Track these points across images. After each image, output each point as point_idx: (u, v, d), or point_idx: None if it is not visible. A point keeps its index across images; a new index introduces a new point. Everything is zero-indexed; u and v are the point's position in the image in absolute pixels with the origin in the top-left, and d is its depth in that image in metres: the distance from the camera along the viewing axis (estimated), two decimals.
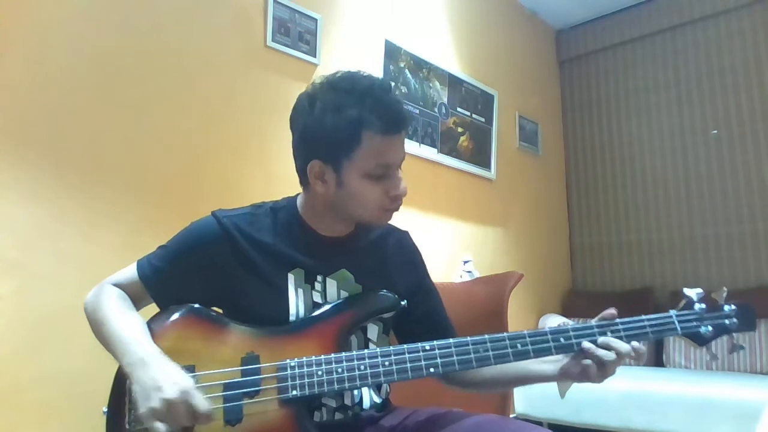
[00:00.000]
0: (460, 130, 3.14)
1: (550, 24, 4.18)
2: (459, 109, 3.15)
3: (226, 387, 0.88)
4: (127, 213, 1.73)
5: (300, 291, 0.99)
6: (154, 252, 1.02)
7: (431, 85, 2.98)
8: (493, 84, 3.42)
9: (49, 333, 1.51)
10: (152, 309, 1.01)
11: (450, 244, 2.99)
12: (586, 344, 0.91)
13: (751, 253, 3.33)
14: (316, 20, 2.37)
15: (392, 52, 2.76)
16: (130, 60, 1.80)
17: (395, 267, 1.08)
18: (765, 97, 3.38)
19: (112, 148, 1.73)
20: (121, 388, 0.91)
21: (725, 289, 0.99)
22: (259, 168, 2.09)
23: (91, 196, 1.66)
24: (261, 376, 0.90)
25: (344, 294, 1.01)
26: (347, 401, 0.99)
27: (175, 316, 0.95)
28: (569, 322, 0.98)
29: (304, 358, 0.91)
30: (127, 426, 0.90)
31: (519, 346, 0.92)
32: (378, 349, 0.92)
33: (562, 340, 0.93)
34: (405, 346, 0.92)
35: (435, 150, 2.94)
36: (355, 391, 1.00)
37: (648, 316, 0.95)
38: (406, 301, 1.03)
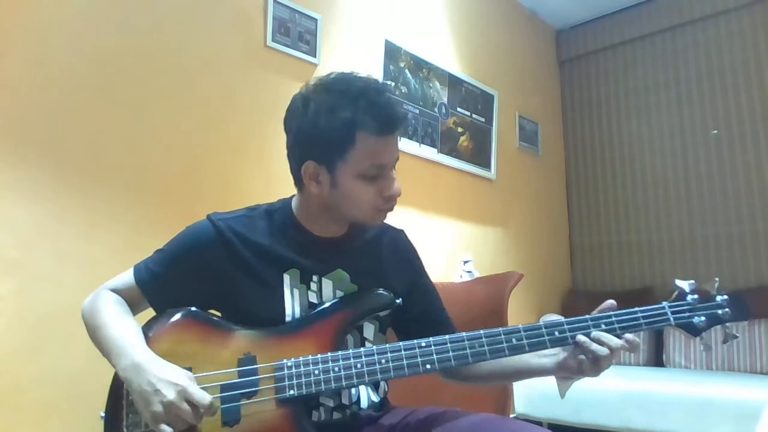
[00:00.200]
0: (460, 130, 3.14)
1: (550, 24, 4.19)
2: (459, 109, 3.15)
3: (224, 388, 0.89)
4: (127, 213, 1.73)
5: (296, 291, 0.99)
6: (151, 257, 1.03)
7: (431, 85, 2.98)
8: (493, 84, 3.42)
9: (49, 333, 1.51)
10: (149, 313, 1.01)
11: (450, 244, 2.99)
12: (581, 338, 0.92)
13: (751, 253, 3.33)
14: (316, 20, 2.37)
15: (392, 52, 2.76)
16: (130, 60, 1.80)
17: (391, 266, 1.08)
18: (765, 97, 3.38)
19: (112, 148, 1.73)
20: (118, 392, 0.92)
21: (717, 279, 1.00)
22: (259, 168, 2.09)
23: (91, 196, 1.66)
24: (258, 377, 0.90)
25: (340, 294, 1.02)
26: (345, 400, 0.99)
27: (172, 319, 0.96)
28: None
29: (301, 358, 0.91)
30: (125, 430, 0.90)
31: (514, 340, 0.93)
32: (374, 347, 0.93)
33: (556, 333, 0.93)
34: (401, 343, 0.93)
35: (435, 150, 2.94)
36: (353, 391, 1.00)
37: (641, 308, 0.95)
38: (401, 299, 1.03)
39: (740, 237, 3.38)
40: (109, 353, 0.91)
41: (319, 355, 0.91)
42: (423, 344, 0.92)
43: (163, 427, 0.81)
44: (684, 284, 1.00)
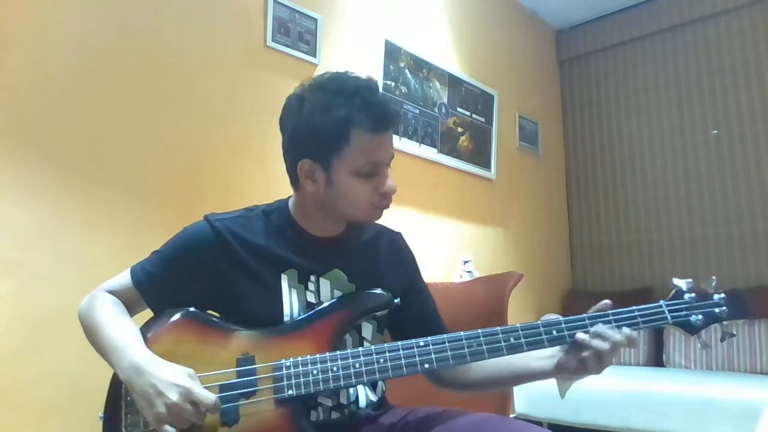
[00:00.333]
0: (460, 130, 3.14)
1: (550, 24, 4.19)
2: (459, 109, 3.15)
3: (222, 388, 0.89)
4: (127, 213, 1.73)
5: (294, 291, 0.99)
6: (148, 258, 1.03)
7: (431, 85, 2.98)
8: (493, 84, 3.42)
9: (49, 333, 1.51)
10: (147, 314, 1.01)
11: (450, 244, 2.99)
12: (580, 336, 0.92)
13: (751, 253, 3.33)
14: (316, 20, 2.37)
15: (392, 52, 2.76)
16: (130, 60, 1.80)
17: (387, 267, 1.09)
18: (765, 97, 3.38)
19: (112, 148, 1.73)
20: (116, 392, 0.92)
21: (714, 278, 1.00)
22: (259, 168, 2.09)
23: (91, 196, 1.66)
24: (257, 377, 0.90)
25: (338, 293, 1.02)
26: (343, 400, 0.99)
27: (170, 319, 0.96)
28: None
29: (299, 358, 0.91)
30: (123, 430, 0.90)
31: (512, 339, 0.93)
32: (372, 347, 0.93)
33: (554, 332, 0.93)
34: (399, 343, 0.93)
35: (435, 150, 2.94)
36: (351, 390, 1.00)
37: (639, 307, 0.95)
38: (399, 299, 1.03)
39: (740, 237, 3.38)
40: (108, 355, 0.91)
41: (317, 355, 0.92)
42: (421, 344, 0.92)
43: (167, 427, 0.81)
44: (681, 283, 1.00)
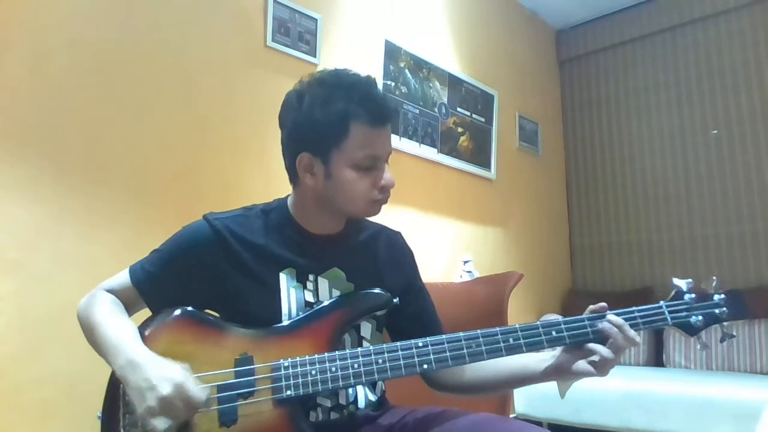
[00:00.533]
0: (460, 130, 3.14)
1: (550, 24, 4.19)
2: (459, 109, 3.15)
3: (221, 389, 0.88)
4: (127, 213, 1.73)
5: (292, 291, 0.99)
6: (147, 257, 1.03)
7: (431, 85, 2.98)
8: (493, 84, 3.42)
9: (49, 333, 1.51)
10: (146, 313, 1.01)
11: (450, 244, 2.99)
12: (605, 324, 0.91)
13: (751, 253, 3.33)
14: (316, 20, 2.37)
15: (392, 52, 2.76)
16: (130, 60, 1.80)
17: (386, 266, 1.09)
18: (765, 97, 3.38)
19: (112, 148, 1.73)
20: (115, 392, 0.92)
21: (715, 278, 0.99)
22: (259, 168, 2.09)
23: (91, 196, 1.66)
24: (255, 377, 0.90)
25: (336, 292, 1.02)
26: (342, 400, 0.99)
27: (168, 319, 0.96)
28: None
29: (298, 358, 0.91)
30: (122, 430, 0.90)
31: (511, 340, 0.92)
32: (371, 347, 0.93)
33: (554, 333, 0.93)
34: (398, 343, 0.93)
35: (435, 150, 2.94)
36: (350, 390, 1.00)
37: (638, 307, 0.95)
38: (398, 299, 1.03)
39: (740, 237, 3.38)
40: (105, 352, 0.91)
41: (316, 356, 0.91)
42: (420, 344, 0.92)
43: (157, 421, 0.80)
44: (682, 283, 0.99)
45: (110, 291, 1.01)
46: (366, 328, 1.04)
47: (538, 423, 2.38)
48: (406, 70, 2.84)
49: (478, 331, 0.93)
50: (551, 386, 1.03)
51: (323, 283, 1.01)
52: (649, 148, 3.79)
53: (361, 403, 1.01)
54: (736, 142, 3.45)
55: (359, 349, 0.93)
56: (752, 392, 2.34)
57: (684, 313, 0.96)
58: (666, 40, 3.79)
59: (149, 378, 0.82)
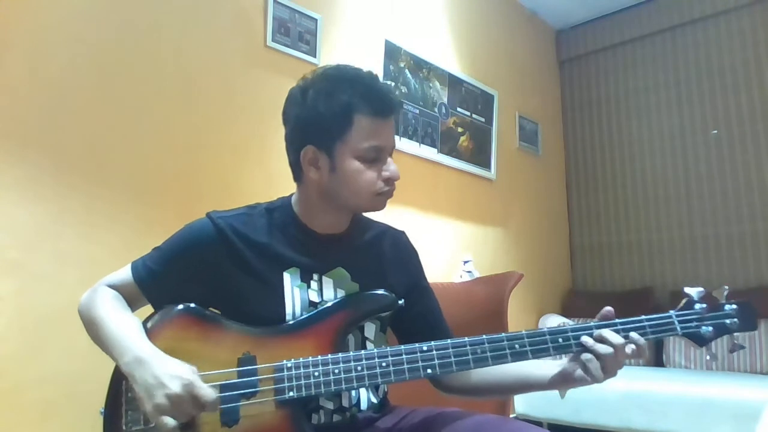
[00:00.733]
0: (460, 130, 3.14)
1: (550, 24, 4.18)
2: (459, 109, 3.15)
3: (223, 388, 0.88)
4: (127, 213, 1.73)
5: (296, 290, 0.98)
6: (149, 254, 1.02)
7: (431, 85, 2.98)
8: (493, 84, 3.42)
9: (49, 333, 1.51)
10: (147, 310, 1.01)
11: (450, 244, 2.99)
12: (585, 338, 0.90)
13: (751, 253, 3.33)
14: (316, 20, 2.37)
15: (392, 52, 2.76)
16: (130, 60, 1.80)
17: (391, 266, 1.08)
18: (765, 97, 3.38)
19: (112, 148, 1.73)
20: (117, 388, 0.91)
21: (726, 287, 0.97)
22: (259, 168, 2.09)
23: (91, 196, 1.66)
24: (258, 377, 0.89)
25: (341, 292, 1.01)
26: (345, 403, 0.98)
27: (171, 316, 0.95)
28: (569, 322, 0.97)
29: (301, 359, 0.90)
30: (124, 427, 0.89)
31: (517, 346, 0.91)
32: (375, 350, 0.92)
33: (560, 340, 0.91)
34: (402, 347, 0.92)
35: (435, 150, 2.94)
36: (353, 392, 0.99)
37: (647, 317, 0.93)
38: (403, 300, 1.02)
39: (740, 237, 3.38)
40: (110, 348, 0.90)
41: (319, 357, 0.91)
42: (424, 348, 0.91)
43: (164, 419, 0.80)
44: (692, 292, 0.97)
45: (112, 286, 1.00)
46: (370, 329, 1.03)
47: (538, 423, 2.38)
48: (406, 70, 2.84)
49: (484, 336, 0.92)
50: None
51: (328, 283, 1.01)
52: (649, 148, 3.79)
53: (364, 406, 1.01)
54: (736, 142, 3.45)
55: (363, 351, 0.92)
56: (752, 392, 2.34)
57: (694, 324, 0.94)
58: (666, 40, 3.79)
59: (158, 375, 0.82)
